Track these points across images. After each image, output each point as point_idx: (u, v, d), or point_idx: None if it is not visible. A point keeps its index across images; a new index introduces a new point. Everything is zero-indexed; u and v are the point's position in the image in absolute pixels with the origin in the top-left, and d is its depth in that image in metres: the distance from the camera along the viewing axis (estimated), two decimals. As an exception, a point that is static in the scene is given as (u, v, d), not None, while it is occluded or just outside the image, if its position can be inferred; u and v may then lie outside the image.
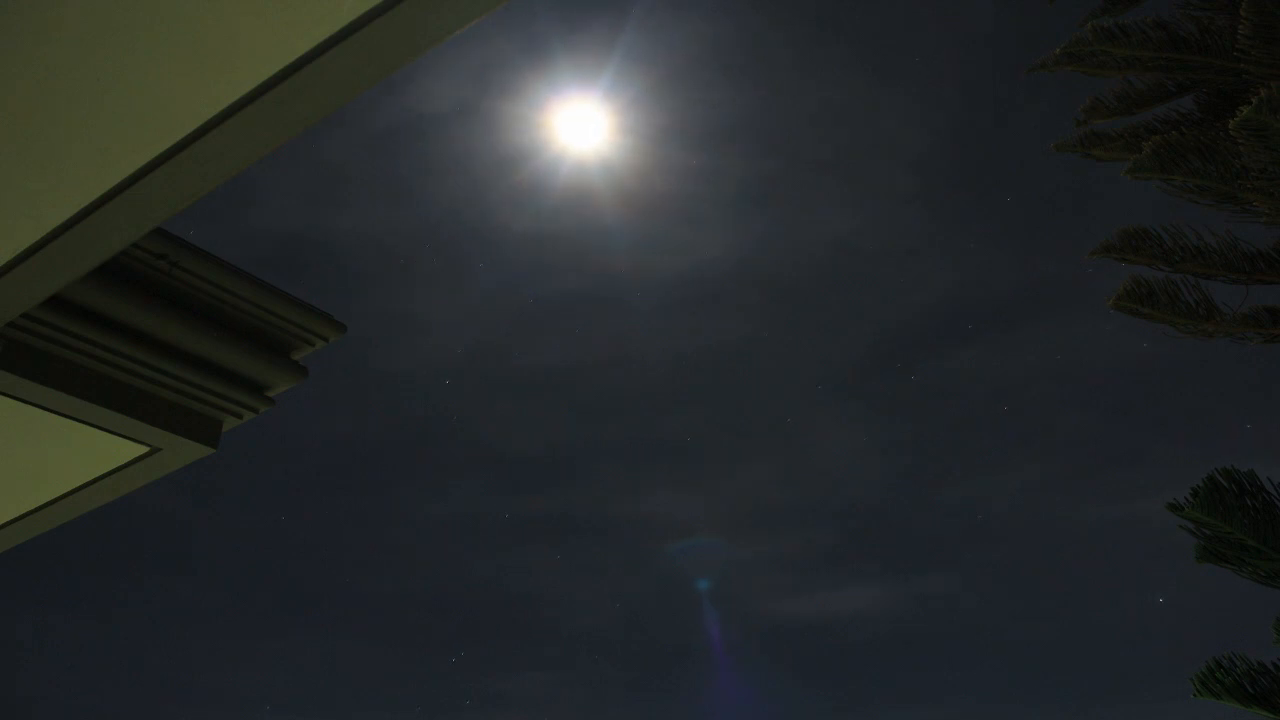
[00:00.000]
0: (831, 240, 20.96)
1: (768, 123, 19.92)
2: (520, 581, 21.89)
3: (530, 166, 18.33)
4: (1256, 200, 6.85)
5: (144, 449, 2.58)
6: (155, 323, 2.43)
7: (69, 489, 2.71)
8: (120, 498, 2.77)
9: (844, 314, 21.19)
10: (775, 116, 19.99)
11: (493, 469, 22.06)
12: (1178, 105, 8.19)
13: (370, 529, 21.94)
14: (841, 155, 20.38)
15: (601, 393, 21.84)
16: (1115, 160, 8.28)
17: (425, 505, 22.20)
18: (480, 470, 22.02)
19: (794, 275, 21.34)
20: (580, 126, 18.14)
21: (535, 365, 21.72)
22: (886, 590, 20.95)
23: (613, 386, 21.78)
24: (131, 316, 2.40)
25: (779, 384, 21.35)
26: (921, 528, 21.10)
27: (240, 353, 2.58)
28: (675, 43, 18.68)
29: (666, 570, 21.43)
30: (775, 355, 21.38)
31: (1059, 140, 8.70)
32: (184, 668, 20.54)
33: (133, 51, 1.56)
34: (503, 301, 21.12)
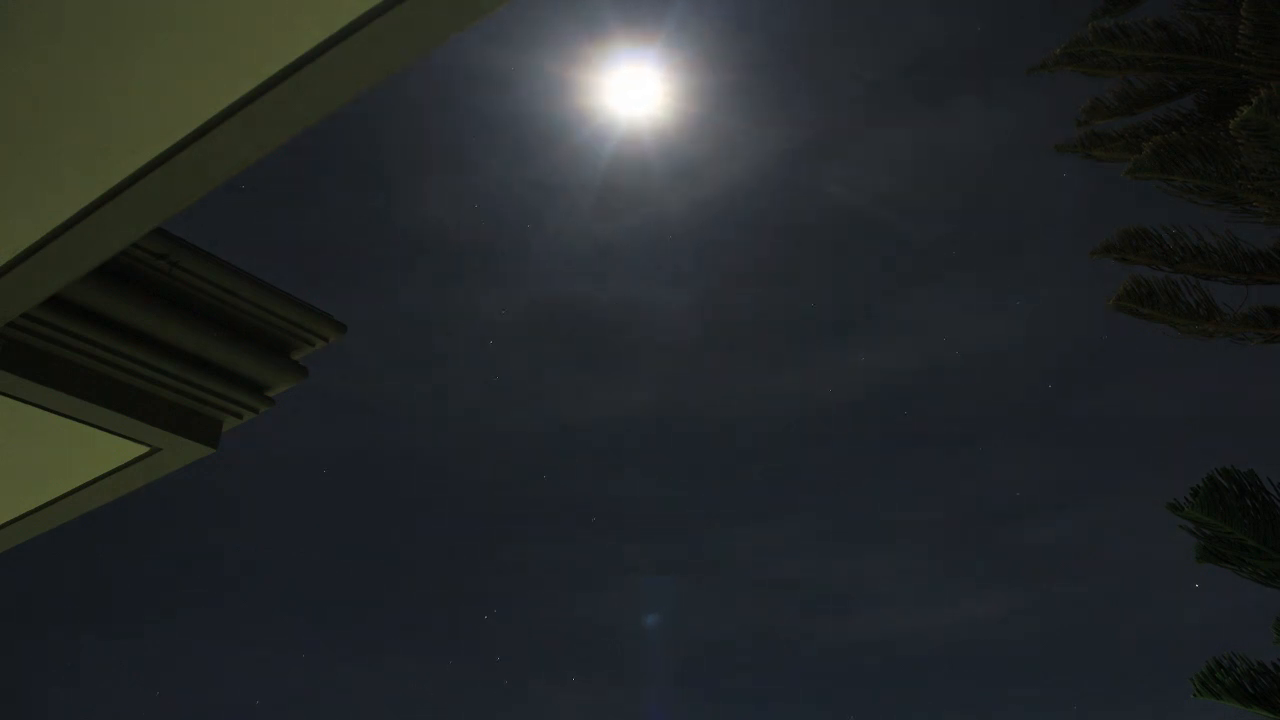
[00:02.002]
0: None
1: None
2: (601, 612, 21.59)
3: (579, 135, 17.46)
4: (1256, 200, 6.85)
5: (144, 449, 2.58)
6: (155, 323, 2.43)
7: (69, 489, 2.72)
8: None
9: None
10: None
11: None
12: (1178, 105, 8.20)
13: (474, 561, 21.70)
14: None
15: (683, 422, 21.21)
16: (1115, 160, 8.28)
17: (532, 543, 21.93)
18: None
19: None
20: (632, 89, 16.89)
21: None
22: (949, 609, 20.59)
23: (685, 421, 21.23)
24: (131, 316, 2.40)
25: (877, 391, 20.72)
26: (1014, 548, 20.57)
27: (240, 353, 2.58)
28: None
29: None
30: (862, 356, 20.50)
31: (1060, 142, 8.71)
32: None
33: (133, 51, 1.56)
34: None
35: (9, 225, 1.83)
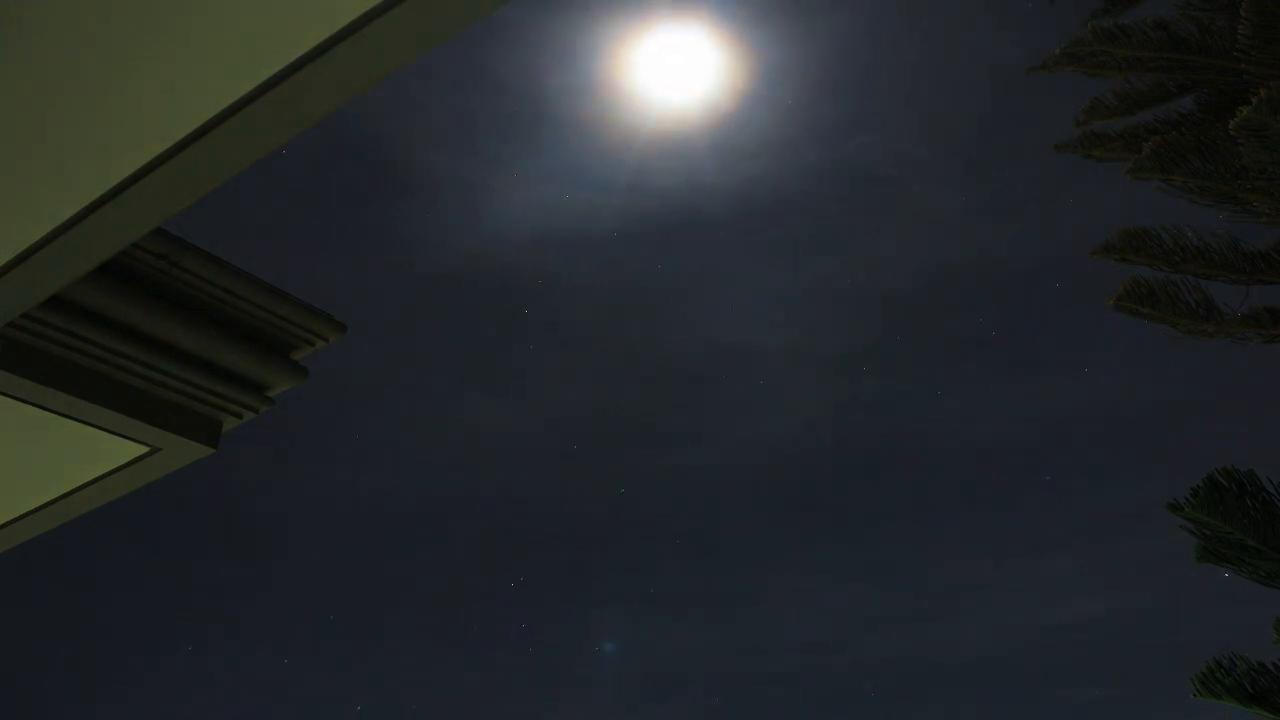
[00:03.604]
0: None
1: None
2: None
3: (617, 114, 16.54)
4: (1256, 200, 6.85)
5: (144, 449, 2.58)
6: (155, 323, 2.43)
7: (69, 489, 2.72)
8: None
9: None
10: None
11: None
12: (1178, 105, 8.20)
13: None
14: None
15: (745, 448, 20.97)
16: (1115, 161, 8.28)
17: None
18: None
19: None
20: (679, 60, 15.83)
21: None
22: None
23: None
24: (131, 316, 2.40)
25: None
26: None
27: (240, 353, 2.58)
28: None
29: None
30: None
31: (1059, 142, 8.71)
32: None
33: (133, 51, 1.57)
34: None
35: (9, 225, 1.83)
